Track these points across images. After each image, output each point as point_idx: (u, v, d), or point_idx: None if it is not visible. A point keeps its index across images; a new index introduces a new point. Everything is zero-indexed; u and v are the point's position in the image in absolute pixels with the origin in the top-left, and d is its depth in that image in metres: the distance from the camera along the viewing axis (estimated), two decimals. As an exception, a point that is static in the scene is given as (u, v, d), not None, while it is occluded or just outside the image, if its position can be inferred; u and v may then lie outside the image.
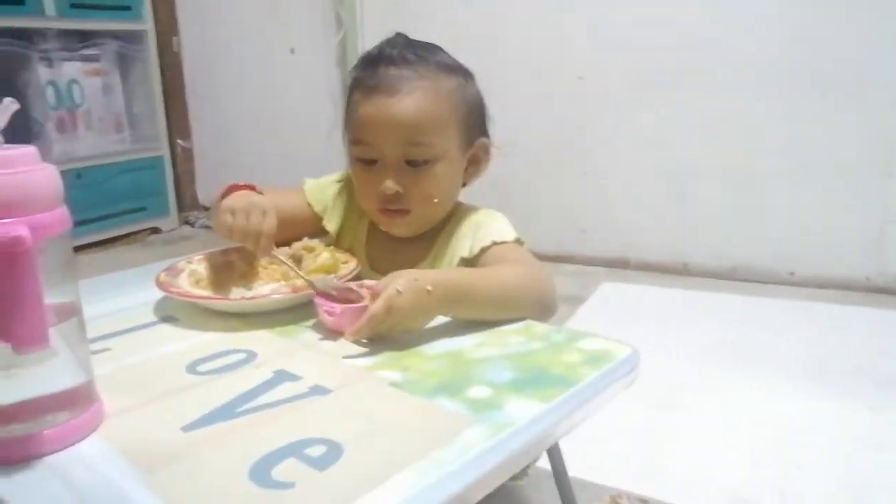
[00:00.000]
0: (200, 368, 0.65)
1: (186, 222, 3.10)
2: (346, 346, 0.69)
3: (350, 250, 0.97)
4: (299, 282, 0.80)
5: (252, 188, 0.89)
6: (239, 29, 2.87)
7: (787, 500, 1.03)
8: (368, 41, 2.47)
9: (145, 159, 2.89)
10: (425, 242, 0.93)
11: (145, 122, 2.92)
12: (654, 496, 1.05)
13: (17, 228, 0.44)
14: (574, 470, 1.07)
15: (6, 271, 0.44)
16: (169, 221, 3.01)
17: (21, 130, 2.48)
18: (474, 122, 0.90)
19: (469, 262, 0.88)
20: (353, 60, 2.49)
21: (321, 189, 1.00)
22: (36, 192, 0.47)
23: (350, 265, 0.85)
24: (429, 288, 0.68)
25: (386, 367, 0.64)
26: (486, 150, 0.91)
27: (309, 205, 0.99)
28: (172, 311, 0.79)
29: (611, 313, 1.90)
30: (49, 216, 0.48)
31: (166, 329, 0.75)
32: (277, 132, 2.90)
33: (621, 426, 1.23)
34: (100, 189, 2.68)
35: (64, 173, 0.51)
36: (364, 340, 0.69)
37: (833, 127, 1.90)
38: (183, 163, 3.13)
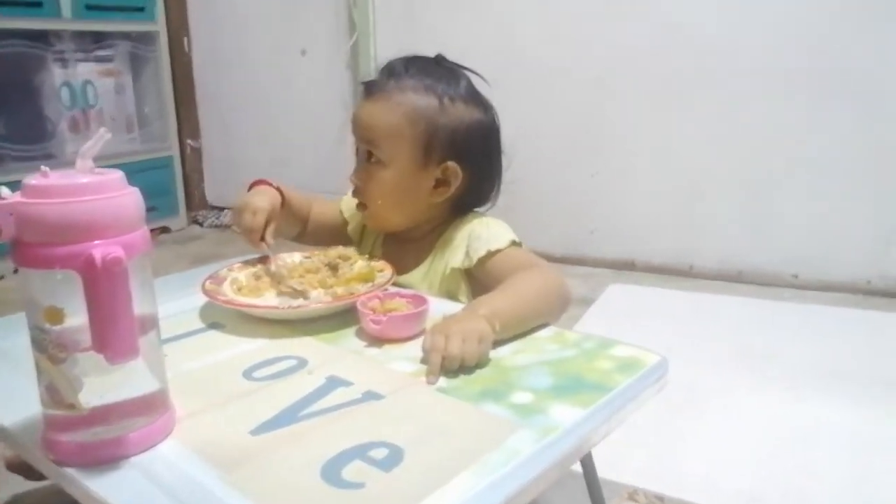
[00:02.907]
0: (256, 374, 0.69)
1: (195, 221, 3.13)
2: (389, 352, 0.74)
3: (371, 251, 1.03)
4: (339, 290, 0.84)
5: (269, 184, 0.99)
6: (249, 30, 2.90)
7: (799, 500, 1.08)
8: (381, 45, 2.52)
9: (156, 159, 2.93)
10: (425, 246, 0.99)
11: (156, 122, 2.96)
12: (669, 494, 1.09)
13: (115, 249, 0.48)
14: (592, 468, 1.12)
15: (105, 288, 0.48)
16: (178, 221, 3.05)
17: (35, 131, 2.52)
18: (442, 144, 0.93)
19: (465, 273, 0.93)
20: (365, 64, 2.54)
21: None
22: (126, 214, 0.52)
23: (386, 273, 0.89)
24: (496, 327, 0.71)
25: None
26: (455, 174, 0.94)
27: (341, 212, 1.06)
28: (218, 318, 0.83)
29: (620, 315, 1.94)
30: (136, 236, 0.52)
31: (216, 336, 0.79)
32: (287, 133, 2.94)
33: (635, 426, 1.27)
34: (112, 188, 2.71)
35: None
36: (404, 347, 0.74)
37: (840, 133, 1.95)
38: (192, 162, 3.16)
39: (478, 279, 0.92)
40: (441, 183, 0.95)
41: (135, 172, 3.02)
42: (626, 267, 2.28)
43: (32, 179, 0.50)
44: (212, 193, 3.22)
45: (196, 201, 3.19)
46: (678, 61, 2.09)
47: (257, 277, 0.91)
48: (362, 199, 0.98)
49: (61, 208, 0.49)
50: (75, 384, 0.51)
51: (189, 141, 3.14)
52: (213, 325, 0.82)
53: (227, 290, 0.87)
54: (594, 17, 2.17)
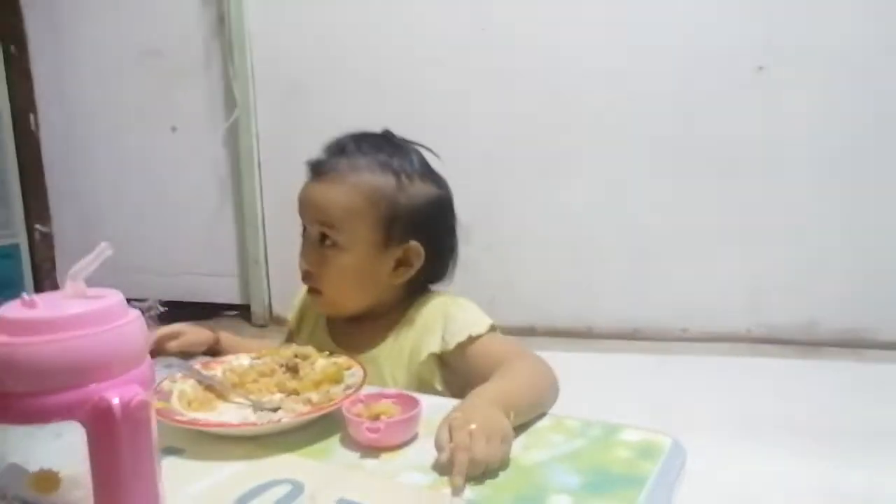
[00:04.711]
0: (251, 508, 0.59)
1: (47, 315, 2.79)
2: (389, 462, 0.66)
3: (312, 333, 0.97)
4: (314, 396, 0.76)
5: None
6: (108, 105, 2.69)
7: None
8: (262, 121, 2.43)
9: (-1, 248, 2.61)
10: (386, 323, 0.94)
11: (-1, 207, 2.65)
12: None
13: (134, 389, 0.39)
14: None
15: (126, 440, 0.39)
16: (27, 316, 2.71)
17: None
18: (403, 223, 0.89)
19: (443, 357, 0.89)
20: (246, 140, 2.44)
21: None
22: (134, 345, 0.43)
23: (355, 371, 0.81)
24: (511, 419, 0.67)
25: (448, 484, 0.62)
26: (417, 254, 0.91)
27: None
28: (172, 441, 0.71)
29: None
30: (145, 369, 0.43)
31: (179, 464, 0.67)
32: (154, 215, 2.72)
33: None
34: (-54, 284, 2.37)
35: None
36: (403, 454, 0.67)
37: (714, 199, 2.12)
38: (42, 250, 2.84)
39: (453, 364, 0.87)
40: (402, 263, 0.91)
41: (-23, 263, 2.67)
42: (526, 333, 2.31)
43: (12, 311, 0.40)
44: (65, 284, 2.89)
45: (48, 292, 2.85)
46: (563, 133, 2.20)
47: (205, 387, 0.80)
48: (316, 285, 0.91)
49: (58, 346, 0.39)
50: (73, 566, 0.41)
51: (38, 226, 2.82)
52: (169, 451, 0.69)
53: (177, 406, 0.75)
54: (481, 94, 2.23)
